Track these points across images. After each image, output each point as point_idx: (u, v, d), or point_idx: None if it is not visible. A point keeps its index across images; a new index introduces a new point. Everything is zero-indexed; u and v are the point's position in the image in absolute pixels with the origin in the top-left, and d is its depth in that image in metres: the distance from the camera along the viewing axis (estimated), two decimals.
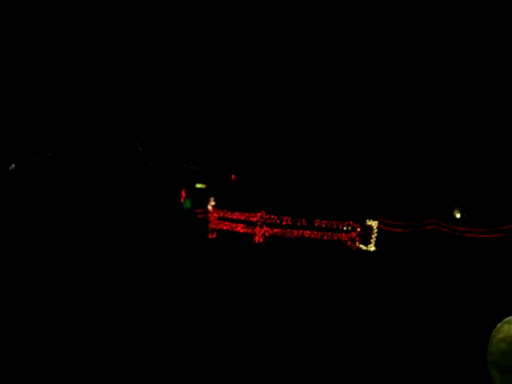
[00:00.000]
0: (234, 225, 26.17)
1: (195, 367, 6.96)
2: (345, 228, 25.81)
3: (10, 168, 37.29)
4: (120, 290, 11.45)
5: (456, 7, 32.28)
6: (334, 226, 25.73)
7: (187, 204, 31.56)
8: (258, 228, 25.60)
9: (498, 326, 1.82)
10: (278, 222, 25.58)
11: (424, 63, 33.90)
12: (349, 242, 25.74)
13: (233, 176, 36.67)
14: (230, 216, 26.44)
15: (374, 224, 25.97)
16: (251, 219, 25.80)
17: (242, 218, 26.11)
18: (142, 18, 35.31)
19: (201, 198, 31.61)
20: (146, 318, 9.18)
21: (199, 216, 29.18)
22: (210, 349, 7.64)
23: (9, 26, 34.43)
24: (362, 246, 25.69)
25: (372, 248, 25.73)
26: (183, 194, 35.17)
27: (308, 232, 25.61)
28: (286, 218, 25.64)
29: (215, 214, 26.80)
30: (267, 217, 25.59)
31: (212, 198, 29.70)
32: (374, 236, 25.81)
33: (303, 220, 25.58)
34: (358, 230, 25.75)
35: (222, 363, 7.11)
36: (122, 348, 7.43)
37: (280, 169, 34.17)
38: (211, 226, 26.71)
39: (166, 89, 36.91)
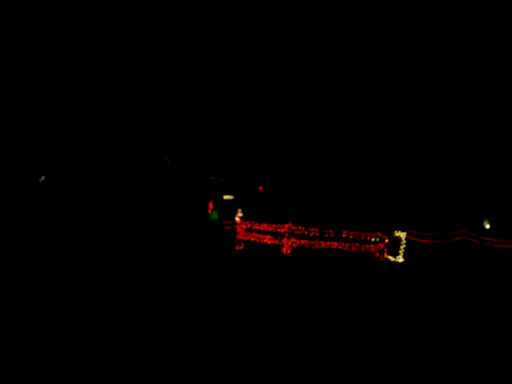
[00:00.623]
0: (261, 236, 26.20)
1: (211, 370, 7.01)
2: (373, 239, 25.68)
3: (40, 180, 37.79)
4: (147, 298, 11.54)
5: (456, 7, 32.07)
6: (362, 238, 25.62)
7: (214, 215, 31.68)
8: (285, 239, 25.61)
9: None
10: (306, 233, 25.57)
11: (442, 68, 33.69)
12: (377, 254, 25.60)
13: (260, 187, 36.75)
14: (257, 227, 26.47)
15: (402, 235, 25.81)
16: (278, 230, 25.82)
17: (270, 229, 26.13)
18: (165, 26, 35.62)
19: (228, 210, 31.72)
20: (171, 325, 9.24)
21: (227, 227, 29.26)
22: (235, 356, 7.68)
23: (28, 34, 34.95)
24: (391, 258, 25.53)
25: (400, 259, 25.56)
26: (211, 205, 35.34)
27: (336, 243, 25.54)
28: (313, 229, 25.61)
29: (243, 226, 26.85)
30: (294, 228, 25.60)
31: (239, 210, 29.78)
32: (402, 247, 25.64)
33: (331, 231, 25.52)
34: (386, 241, 25.62)
35: (243, 368, 7.15)
36: (135, 349, 7.51)
37: (307, 180, 34.15)
38: (239, 237, 26.77)
39: (194, 102, 37.17)
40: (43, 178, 37.61)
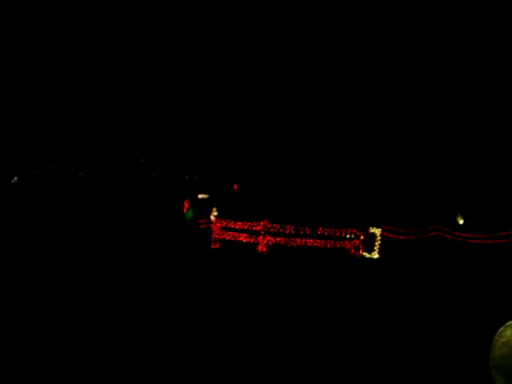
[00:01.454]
0: (236, 234, 26.16)
1: (197, 371, 6.97)
2: (348, 236, 25.79)
3: (13, 181, 37.35)
4: (123, 298, 11.45)
5: (456, 7, 32.36)
6: (337, 234, 25.71)
7: (189, 214, 31.58)
8: (261, 237, 25.60)
9: (501, 330, 1.82)
10: (281, 230, 25.58)
11: (426, 64, 33.95)
12: (352, 250, 25.71)
13: (235, 186, 36.70)
14: (232, 226, 26.42)
15: (377, 231, 25.95)
16: (254, 228, 25.80)
17: (245, 227, 26.11)
18: (146, 24, 35.41)
19: (203, 209, 31.63)
20: (148, 325, 9.19)
21: (202, 226, 29.18)
22: (212, 354, 7.66)
23: (11, 30, 34.54)
24: (366, 254, 25.66)
25: (376, 255, 25.70)
26: (186, 204, 35.21)
27: (311, 240, 25.59)
28: (288, 226, 25.63)
29: (218, 224, 26.79)
30: (270, 226, 25.59)
31: (214, 208, 29.72)
32: (377, 243, 25.78)
33: (306, 228, 25.56)
34: (362, 237, 25.73)
35: (224, 368, 7.13)
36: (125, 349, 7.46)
37: (281, 177, 34.20)
38: (214, 236, 26.70)
39: (167, 99, 36.98)
40: (16, 178, 37.19)
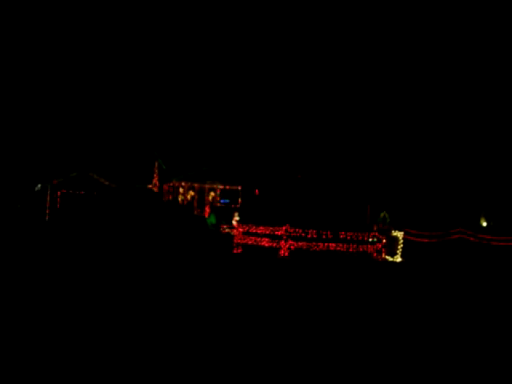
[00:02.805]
0: (259, 239, 26.18)
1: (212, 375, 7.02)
2: (370, 239, 25.69)
3: (36, 188, 37.80)
4: (144, 300, 11.54)
5: (456, 7, 32.20)
6: (360, 238, 25.62)
7: (212, 219, 31.69)
8: (283, 242, 25.57)
9: None
10: (303, 235, 25.53)
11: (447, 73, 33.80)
12: (375, 254, 25.60)
13: (256, 191, 36.75)
14: (254, 230, 26.46)
15: (399, 234, 25.85)
16: (276, 233, 25.79)
17: (267, 232, 26.10)
18: (168, 38, 35.69)
19: (225, 214, 31.74)
20: (166, 326, 9.25)
21: (224, 231, 29.29)
22: (227, 356, 7.70)
23: (31, 40, 34.97)
24: (388, 257, 25.55)
25: (398, 259, 25.58)
26: (207, 209, 35.36)
27: (333, 244, 25.51)
28: (310, 231, 25.58)
29: (240, 229, 26.85)
30: (292, 230, 25.55)
31: (236, 213, 29.81)
32: (400, 247, 25.68)
33: (328, 232, 25.50)
34: (384, 241, 25.62)
35: (237, 369, 7.17)
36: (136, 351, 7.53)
37: (303, 182, 34.19)
38: (236, 240, 26.77)
39: (189, 107, 37.22)
40: (39, 186, 37.62)
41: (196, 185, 38.65)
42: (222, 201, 37.88)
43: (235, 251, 26.36)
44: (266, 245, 25.87)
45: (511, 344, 9.61)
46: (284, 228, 25.59)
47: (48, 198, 34.64)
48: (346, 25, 34.34)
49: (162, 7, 36.03)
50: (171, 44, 35.91)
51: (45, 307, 11.00)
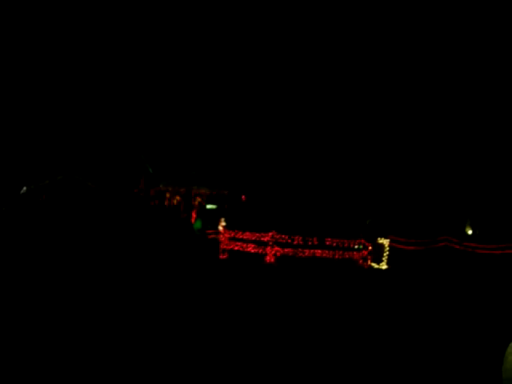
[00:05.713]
0: (245, 245, 26.13)
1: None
2: (356, 246, 25.72)
3: (22, 191, 37.53)
4: (129, 306, 11.47)
5: (456, 7, 32.40)
6: (346, 245, 25.65)
7: (198, 225, 31.60)
8: (269, 248, 25.54)
9: None
10: (289, 241, 25.52)
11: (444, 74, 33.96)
12: (360, 261, 25.64)
13: (243, 197, 36.71)
14: (240, 236, 26.40)
15: (385, 242, 25.88)
16: (262, 239, 25.75)
17: (253, 238, 26.06)
18: (162, 37, 35.61)
19: (211, 219, 31.65)
20: (153, 331, 9.19)
21: (210, 237, 29.19)
22: (216, 359, 7.65)
23: (20, 40, 34.80)
24: (374, 265, 25.58)
25: (384, 266, 25.61)
26: (194, 214, 35.26)
27: (319, 251, 25.53)
28: (297, 237, 25.57)
29: (226, 235, 26.78)
30: (278, 236, 25.54)
31: (223, 219, 29.74)
32: (385, 254, 25.70)
33: (314, 239, 25.51)
34: (370, 248, 25.66)
35: (228, 370, 7.13)
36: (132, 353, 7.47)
37: (290, 188, 34.20)
38: (222, 246, 26.69)
39: (177, 111, 37.14)
40: (25, 188, 37.37)
41: (182, 190, 38.55)
42: (208, 206, 37.79)
43: (221, 257, 26.28)
44: (252, 251, 25.82)
45: (496, 348, 9.63)
46: (270, 234, 25.57)
47: (33, 201, 34.40)
48: (346, 25, 34.42)
49: (149, 9, 35.93)
50: (158, 48, 35.84)
51: (23, 321, 10.93)
